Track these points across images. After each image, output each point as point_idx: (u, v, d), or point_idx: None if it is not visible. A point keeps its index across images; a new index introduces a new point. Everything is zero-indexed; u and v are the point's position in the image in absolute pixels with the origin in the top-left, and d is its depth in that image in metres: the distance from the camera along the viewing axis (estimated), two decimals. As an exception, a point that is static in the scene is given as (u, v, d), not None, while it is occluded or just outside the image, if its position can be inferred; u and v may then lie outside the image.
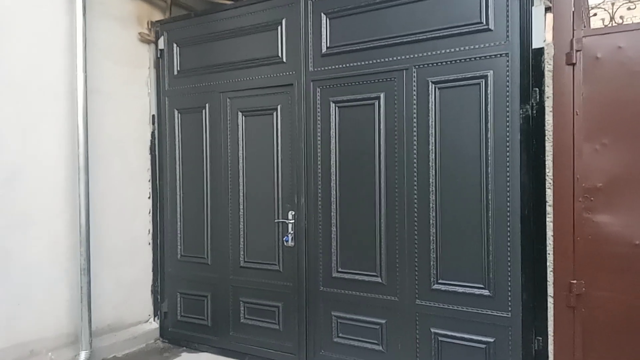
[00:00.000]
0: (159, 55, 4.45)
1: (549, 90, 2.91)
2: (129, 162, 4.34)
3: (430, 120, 3.21)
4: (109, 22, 4.14)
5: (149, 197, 4.53)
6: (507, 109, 2.97)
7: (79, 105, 3.74)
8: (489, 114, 3.02)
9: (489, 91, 3.01)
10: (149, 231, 4.54)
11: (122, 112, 4.28)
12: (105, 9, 4.10)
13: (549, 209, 2.92)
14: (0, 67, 3.37)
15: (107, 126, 4.12)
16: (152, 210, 4.54)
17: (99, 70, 4.02)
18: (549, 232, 2.93)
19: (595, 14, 3.11)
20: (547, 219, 2.92)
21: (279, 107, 3.82)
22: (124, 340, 4.19)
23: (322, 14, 3.59)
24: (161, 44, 4.42)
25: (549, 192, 2.92)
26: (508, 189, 2.97)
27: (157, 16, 4.55)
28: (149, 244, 4.54)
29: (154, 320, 4.56)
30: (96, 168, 3.97)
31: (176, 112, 4.37)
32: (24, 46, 3.51)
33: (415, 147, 3.27)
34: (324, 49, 3.60)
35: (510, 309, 2.99)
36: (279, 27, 3.78)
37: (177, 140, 4.37)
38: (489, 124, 3.02)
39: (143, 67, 4.48)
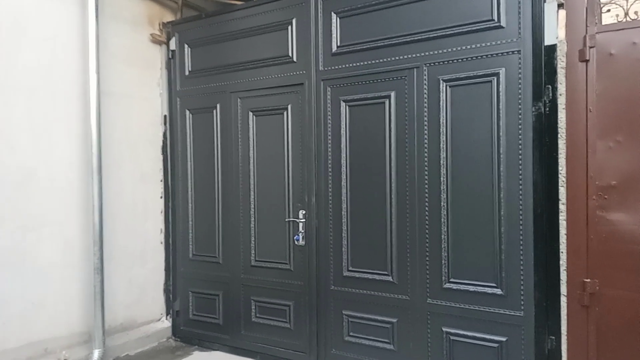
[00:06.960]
0: (170, 56, 4.48)
1: (561, 88, 2.88)
2: (141, 162, 4.38)
3: (441, 119, 3.19)
4: (121, 24, 4.18)
5: (161, 197, 4.57)
6: (520, 106, 2.95)
7: (91, 107, 3.78)
8: (500, 111, 3.00)
9: (500, 89, 2.99)
10: (161, 231, 4.57)
11: (134, 113, 4.32)
12: (117, 11, 4.14)
13: (562, 207, 2.89)
14: (12, 70, 3.41)
15: (119, 127, 4.16)
16: (164, 210, 4.58)
17: (110, 72, 4.06)
18: (562, 231, 2.90)
19: (608, 10, 3.07)
20: (561, 217, 2.90)
21: (289, 107, 3.83)
22: (137, 338, 4.23)
23: (333, 13, 3.59)
24: (172, 44, 4.46)
25: (562, 190, 2.89)
26: (520, 187, 2.95)
27: (169, 17, 4.58)
28: (161, 243, 4.58)
29: (166, 319, 4.60)
30: (109, 169, 4.01)
31: (188, 112, 4.40)
32: (36, 50, 3.55)
33: (426, 145, 3.25)
34: (334, 48, 3.60)
35: (522, 307, 2.97)
36: (290, 27, 3.79)
37: (188, 140, 4.40)
38: (500, 121, 3.00)
39: (155, 68, 4.51)
